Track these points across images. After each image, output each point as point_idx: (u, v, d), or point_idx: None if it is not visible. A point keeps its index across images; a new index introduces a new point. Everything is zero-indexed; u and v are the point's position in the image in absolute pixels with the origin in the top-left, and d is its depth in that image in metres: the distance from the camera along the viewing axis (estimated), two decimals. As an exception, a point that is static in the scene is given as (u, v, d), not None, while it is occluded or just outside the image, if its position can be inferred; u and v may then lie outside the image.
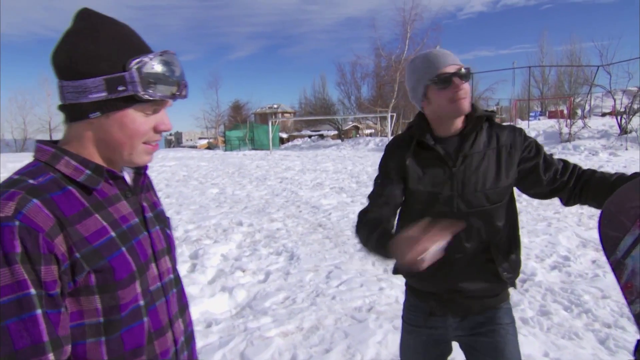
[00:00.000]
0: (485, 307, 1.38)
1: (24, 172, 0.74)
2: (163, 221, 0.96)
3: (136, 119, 0.80)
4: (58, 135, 0.92)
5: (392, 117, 24.83)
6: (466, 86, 1.27)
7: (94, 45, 0.76)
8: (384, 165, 1.41)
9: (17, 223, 0.65)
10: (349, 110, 34.92)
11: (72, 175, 0.77)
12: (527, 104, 26.90)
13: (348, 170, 12.47)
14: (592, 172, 1.28)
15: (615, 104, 15.91)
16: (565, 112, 19.41)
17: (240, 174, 12.81)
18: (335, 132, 34.43)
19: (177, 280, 0.95)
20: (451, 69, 1.26)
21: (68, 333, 0.71)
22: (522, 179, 1.34)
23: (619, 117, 14.55)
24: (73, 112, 0.78)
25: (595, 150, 13.42)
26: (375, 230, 1.26)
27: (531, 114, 25.92)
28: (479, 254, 1.33)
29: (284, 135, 37.64)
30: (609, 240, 1.06)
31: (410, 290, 1.50)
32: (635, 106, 14.63)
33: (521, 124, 19.67)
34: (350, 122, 38.09)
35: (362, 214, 1.38)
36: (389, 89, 28.93)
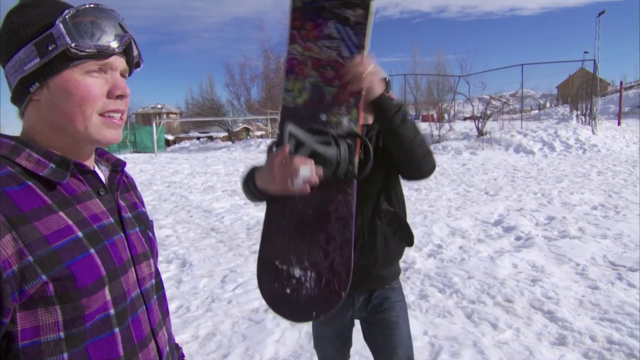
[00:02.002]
0: (388, 280, 1.53)
1: None
2: (144, 223, 0.86)
3: (80, 81, 0.69)
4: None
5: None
6: None
7: (22, 14, 0.68)
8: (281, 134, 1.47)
9: None
10: (239, 111, 34.46)
11: (34, 170, 0.67)
12: (404, 108, 29.45)
13: (240, 172, 12.31)
14: None
15: (473, 109, 18.32)
16: (435, 116, 21.76)
17: (121, 179, 11.78)
18: (226, 134, 33.64)
19: (159, 286, 0.86)
20: None
21: None
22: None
23: (476, 121, 16.80)
24: (17, 95, 0.69)
25: (459, 150, 15.31)
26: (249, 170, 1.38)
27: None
28: (392, 223, 1.47)
29: (170, 137, 35.60)
30: None
31: None
32: (488, 112, 17.07)
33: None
34: (241, 124, 37.57)
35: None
36: (279, 91, 29.23)
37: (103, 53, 0.70)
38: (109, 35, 0.71)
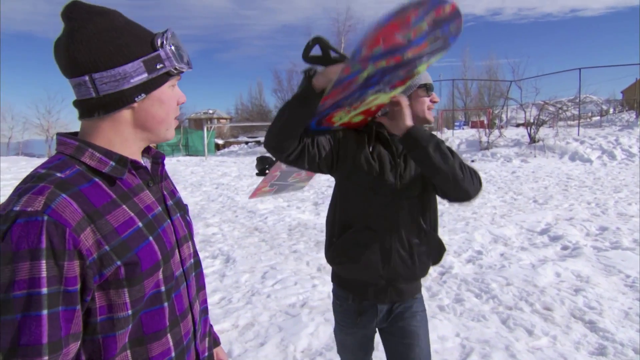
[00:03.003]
0: (410, 294, 1.52)
1: (50, 165, 0.74)
2: (183, 208, 0.98)
3: (169, 94, 0.84)
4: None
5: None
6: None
7: (118, 32, 0.77)
8: (335, 131, 1.46)
9: (45, 218, 0.65)
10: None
11: (97, 167, 0.77)
12: (452, 114, 28.85)
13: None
14: None
15: (525, 115, 17.61)
16: (485, 122, 21.13)
17: (175, 180, 12.43)
18: (273, 139, 34.24)
19: (197, 264, 0.98)
20: (429, 80, 1.48)
21: (79, 330, 0.71)
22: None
23: (529, 128, 16.14)
24: (112, 102, 0.77)
25: (509, 157, 14.77)
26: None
27: (456, 123, 27.85)
28: (415, 239, 1.46)
29: (220, 142, 36.95)
30: None
31: (341, 288, 1.56)
32: (543, 118, 16.33)
33: (447, 132, 21.07)
34: (288, 129, 38.11)
35: None
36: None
37: (184, 70, 0.86)
38: (186, 55, 0.86)
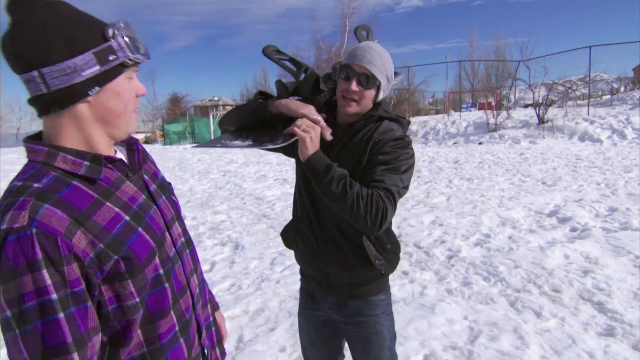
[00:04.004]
0: (355, 296, 1.42)
1: (24, 177, 0.74)
2: (167, 189, 0.99)
3: (125, 86, 0.81)
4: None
5: (333, 109, 25.21)
6: (358, 90, 1.29)
7: (65, 24, 0.74)
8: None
9: (33, 230, 0.66)
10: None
11: (73, 170, 0.77)
12: (459, 96, 28.52)
13: (292, 162, 12.59)
14: None
15: (534, 96, 17.35)
16: (493, 103, 20.86)
17: (182, 168, 12.54)
18: (279, 125, 34.19)
19: (189, 242, 1.00)
20: (357, 68, 1.29)
21: (96, 324, 0.74)
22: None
23: (537, 109, 15.92)
24: (64, 97, 0.75)
25: (517, 139, 14.62)
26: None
27: (463, 105, 27.54)
28: (347, 238, 1.36)
29: (226, 128, 36.86)
30: None
31: (300, 271, 1.60)
32: (552, 98, 16.09)
33: (454, 114, 20.86)
34: (293, 115, 38.00)
35: None
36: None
37: (140, 61, 0.83)
38: (142, 46, 0.83)
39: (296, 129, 1.21)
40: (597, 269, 3.49)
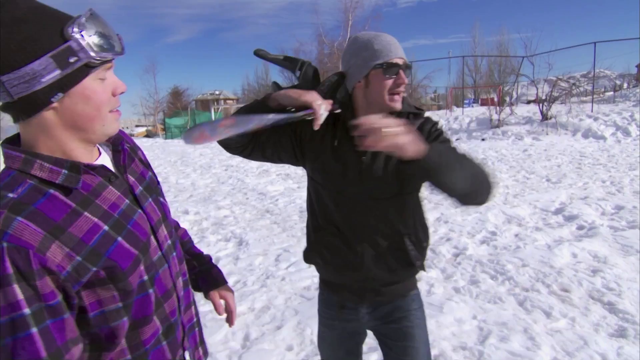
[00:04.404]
0: (395, 296, 1.39)
1: (0, 185, 0.70)
2: (155, 190, 0.95)
3: (95, 87, 0.75)
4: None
5: (335, 104, 25.14)
6: (406, 81, 1.26)
7: (19, 25, 0.68)
8: (295, 126, 1.31)
9: (5, 245, 0.63)
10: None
11: (50, 178, 0.72)
12: (461, 91, 28.40)
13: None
14: None
15: (537, 92, 17.25)
16: (496, 99, 20.75)
17: (184, 163, 12.49)
18: (280, 119, 34.12)
19: (175, 244, 0.97)
20: (400, 61, 1.24)
21: (75, 335, 0.71)
22: None
23: (540, 105, 15.83)
24: (27, 105, 0.70)
25: (520, 135, 14.55)
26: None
27: (465, 101, 27.43)
28: (389, 243, 1.32)
29: (227, 123, 36.78)
30: None
31: (323, 283, 1.50)
32: (555, 94, 16.00)
33: (456, 110, 20.77)
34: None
35: None
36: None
37: (108, 59, 0.76)
38: (113, 41, 0.76)
39: (389, 130, 0.99)
40: (606, 269, 3.45)
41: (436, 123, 1.33)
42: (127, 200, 0.83)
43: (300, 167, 1.43)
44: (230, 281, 3.58)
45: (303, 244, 4.55)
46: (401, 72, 1.23)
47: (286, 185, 7.87)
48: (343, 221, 1.32)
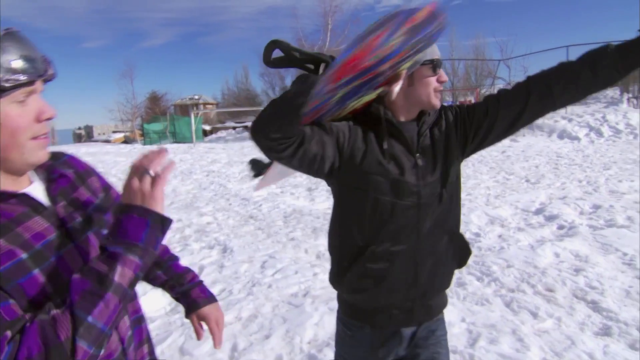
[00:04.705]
0: (438, 310, 1.33)
1: None
2: (98, 222, 0.87)
3: (10, 113, 0.70)
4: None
5: (316, 107, 25.18)
6: (447, 79, 1.23)
7: None
8: (337, 126, 1.17)
9: None
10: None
11: None
12: (440, 94, 28.76)
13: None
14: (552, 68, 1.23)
15: (514, 94, 17.65)
16: (473, 102, 21.14)
17: (163, 169, 12.26)
18: (261, 124, 33.91)
19: None
20: (438, 56, 1.18)
21: None
22: (492, 129, 1.26)
23: (517, 107, 16.16)
24: None
25: (499, 137, 14.83)
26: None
27: (444, 104, 27.74)
28: (446, 244, 1.27)
29: (207, 128, 36.48)
30: None
31: (356, 315, 1.29)
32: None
33: (436, 113, 21.02)
34: (275, 113, 37.77)
35: None
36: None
37: (31, 80, 0.71)
38: (34, 61, 0.71)
39: None
40: (588, 267, 3.52)
41: (451, 106, 1.31)
42: (55, 233, 0.77)
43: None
44: (216, 290, 3.50)
45: (289, 249, 4.52)
46: (441, 68, 1.20)
47: (269, 190, 7.80)
48: (398, 231, 1.18)
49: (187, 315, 1.15)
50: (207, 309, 1.14)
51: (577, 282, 3.28)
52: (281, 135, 1.00)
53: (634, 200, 5.71)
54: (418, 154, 1.20)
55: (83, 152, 19.18)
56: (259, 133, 1.02)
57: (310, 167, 1.13)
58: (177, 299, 1.16)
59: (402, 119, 1.22)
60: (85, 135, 51.63)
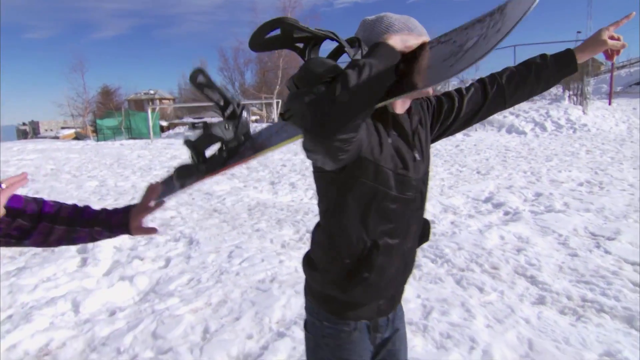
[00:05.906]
0: (402, 297, 1.34)
1: None
2: None
3: None
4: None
5: (277, 103, 25.21)
6: None
7: None
8: None
9: None
10: (233, 96, 34.35)
11: None
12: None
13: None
14: (511, 68, 1.35)
15: (467, 91, 18.47)
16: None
17: (121, 165, 11.95)
18: (221, 119, 33.45)
19: None
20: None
21: None
22: (453, 122, 1.32)
23: (470, 103, 16.95)
24: None
25: (453, 131, 15.52)
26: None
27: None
28: (421, 230, 1.31)
29: (164, 123, 35.52)
30: None
31: (343, 315, 1.20)
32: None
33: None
34: (235, 109, 37.32)
35: None
36: (273, 75, 29.21)
37: None
38: None
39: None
40: (528, 247, 3.91)
41: (424, 98, 1.31)
42: None
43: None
44: (184, 279, 3.59)
45: (254, 240, 4.66)
46: None
47: (232, 185, 7.86)
48: (398, 224, 1.16)
49: (130, 232, 1.16)
50: (132, 212, 1.17)
51: (519, 260, 3.65)
52: (352, 132, 0.86)
53: (570, 188, 6.28)
54: (415, 148, 1.18)
55: (30, 148, 18.23)
56: (330, 135, 0.84)
57: (350, 159, 1.00)
58: (114, 234, 1.16)
59: (399, 111, 1.16)
60: (30, 131, 48.72)
